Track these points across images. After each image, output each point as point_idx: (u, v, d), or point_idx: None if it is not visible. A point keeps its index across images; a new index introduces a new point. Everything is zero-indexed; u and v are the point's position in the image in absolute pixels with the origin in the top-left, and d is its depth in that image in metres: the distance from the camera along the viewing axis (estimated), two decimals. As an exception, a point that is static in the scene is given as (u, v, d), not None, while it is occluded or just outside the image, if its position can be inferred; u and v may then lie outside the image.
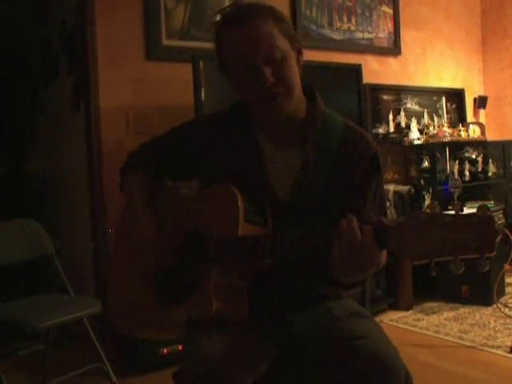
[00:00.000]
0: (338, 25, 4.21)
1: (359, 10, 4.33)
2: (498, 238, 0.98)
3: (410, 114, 4.50)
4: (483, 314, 3.58)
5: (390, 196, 3.86)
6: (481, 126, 4.90)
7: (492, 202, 4.09)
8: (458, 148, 4.38)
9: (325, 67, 3.69)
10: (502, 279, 3.85)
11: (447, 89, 4.92)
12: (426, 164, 4.21)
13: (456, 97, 4.97)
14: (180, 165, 1.52)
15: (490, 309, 3.64)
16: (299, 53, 1.40)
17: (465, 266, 1.01)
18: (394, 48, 4.55)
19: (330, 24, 4.16)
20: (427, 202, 4.04)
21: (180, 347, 2.74)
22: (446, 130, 4.39)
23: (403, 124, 4.42)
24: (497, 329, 3.28)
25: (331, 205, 1.33)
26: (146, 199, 1.50)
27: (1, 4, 4.37)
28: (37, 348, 2.88)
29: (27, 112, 4.80)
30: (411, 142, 4.32)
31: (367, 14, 4.38)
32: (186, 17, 3.43)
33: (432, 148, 4.22)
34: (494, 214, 3.87)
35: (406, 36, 4.63)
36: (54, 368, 2.70)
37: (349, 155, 1.39)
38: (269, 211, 1.33)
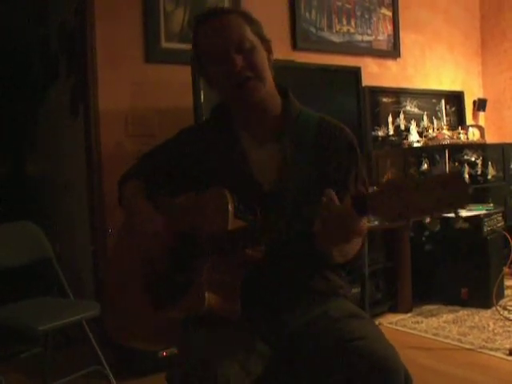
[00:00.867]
0: (338, 27, 4.22)
1: (358, 13, 4.34)
2: (469, 191, 1.01)
3: (409, 117, 4.51)
4: (482, 316, 3.58)
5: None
6: (480, 128, 4.91)
7: (491, 205, 4.09)
8: (457, 151, 4.38)
9: (324, 70, 3.69)
10: (502, 282, 3.85)
11: (446, 91, 4.92)
12: (425, 167, 4.21)
13: (455, 99, 4.98)
14: (175, 175, 1.55)
15: (489, 311, 3.64)
16: (269, 52, 1.47)
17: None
18: (393, 51, 4.56)
19: (330, 26, 4.17)
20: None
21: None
22: (446, 132, 4.39)
23: (402, 127, 4.43)
24: (496, 331, 3.28)
25: (315, 193, 1.34)
26: (145, 198, 1.52)
27: (0, 4, 4.37)
28: (36, 351, 2.88)
29: (27, 113, 4.80)
30: (410, 145, 4.33)
31: (366, 16, 4.39)
32: (185, 19, 3.43)
33: (431, 151, 4.22)
34: (493, 217, 3.87)
35: (406, 39, 4.64)
36: (53, 371, 2.70)
37: (326, 145, 1.46)
38: (257, 206, 1.36)
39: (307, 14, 4.03)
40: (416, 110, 4.63)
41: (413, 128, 4.39)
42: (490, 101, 5.20)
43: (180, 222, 1.44)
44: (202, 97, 3.00)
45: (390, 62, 4.56)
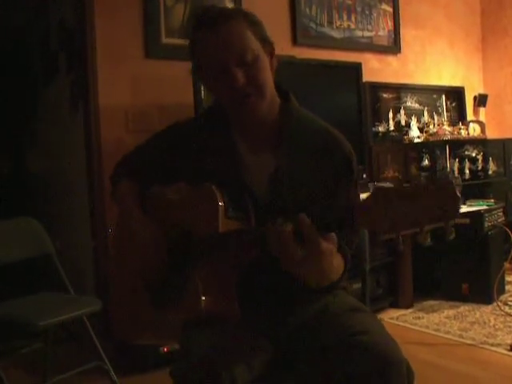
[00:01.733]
0: (338, 23, 4.21)
1: (359, 9, 4.33)
2: (460, 202, 0.97)
3: (409, 113, 4.51)
4: (483, 312, 3.58)
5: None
6: (481, 124, 4.91)
7: (492, 201, 4.08)
8: (458, 146, 4.37)
9: (324, 65, 3.69)
10: (502, 277, 3.85)
11: (447, 87, 4.92)
12: (426, 162, 4.20)
13: (456, 95, 4.97)
14: (164, 170, 1.53)
15: (490, 307, 3.64)
16: (272, 56, 1.41)
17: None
18: (393, 46, 4.55)
19: (330, 22, 4.16)
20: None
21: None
22: (446, 128, 4.39)
23: (403, 122, 4.43)
24: (497, 327, 3.28)
25: (307, 204, 1.33)
26: (138, 205, 1.51)
27: (1, 1, 4.37)
28: (37, 346, 2.89)
29: (27, 110, 4.80)
30: (411, 141, 4.32)
31: (367, 12, 4.38)
32: (186, 15, 3.42)
33: (432, 146, 4.22)
34: (494, 212, 3.87)
35: (406, 34, 4.63)
36: (54, 366, 2.70)
37: (323, 158, 1.41)
38: (250, 208, 1.35)
39: (307, 10, 4.02)
40: (416, 106, 4.62)
41: (413, 124, 4.39)
42: (490, 96, 5.19)
43: (170, 220, 1.42)
44: (203, 93, 3.00)
45: (390, 58, 4.55)
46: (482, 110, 5.23)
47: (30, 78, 4.69)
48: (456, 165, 4.25)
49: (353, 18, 4.30)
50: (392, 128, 4.36)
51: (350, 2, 4.28)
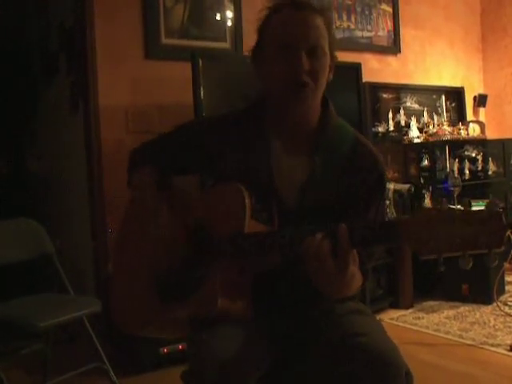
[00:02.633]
0: (338, 23, 4.21)
1: (359, 9, 4.33)
2: (507, 234, 0.99)
3: (409, 113, 4.50)
4: (483, 312, 3.59)
5: (390, 194, 3.86)
6: (481, 124, 4.90)
7: (492, 201, 4.08)
8: (457, 146, 4.38)
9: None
10: (502, 278, 3.85)
11: (447, 87, 4.91)
12: (425, 162, 4.21)
13: (456, 95, 4.97)
14: (188, 162, 1.51)
15: (489, 307, 3.65)
16: (330, 69, 1.41)
17: (473, 261, 1.01)
18: (393, 46, 4.55)
19: (330, 22, 4.15)
20: (427, 200, 4.04)
21: (180, 346, 2.75)
22: (446, 128, 4.39)
23: (403, 122, 4.43)
24: (497, 327, 3.28)
25: (336, 214, 1.32)
26: (160, 195, 1.47)
27: (1, 1, 4.37)
28: (37, 347, 2.88)
29: (27, 111, 4.80)
30: (411, 141, 4.33)
31: (367, 12, 4.38)
32: (185, 15, 3.43)
33: (432, 146, 4.22)
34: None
35: (406, 34, 4.63)
36: (54, 367, 2.70)
37: (357, 169, 1.39)
38: (275, 211, 1.33)
39: (307, 10, 4.02)
40: (416, 106, 4.62)
41: (413, 124, 4.39)
42: (490, 96, 5.19)
43: (193, 215, 1.39)
44: (202, 93, 3.00)
45: (390, 58, 4.55)
46: (481, 110, 5.23)
47: (30, 78, 4.70)
48: (456, 165, 4.26)
49: (352, 19, 4.30)
50: (392, 128, 4.36)
51: (349, 3, 4.28)
